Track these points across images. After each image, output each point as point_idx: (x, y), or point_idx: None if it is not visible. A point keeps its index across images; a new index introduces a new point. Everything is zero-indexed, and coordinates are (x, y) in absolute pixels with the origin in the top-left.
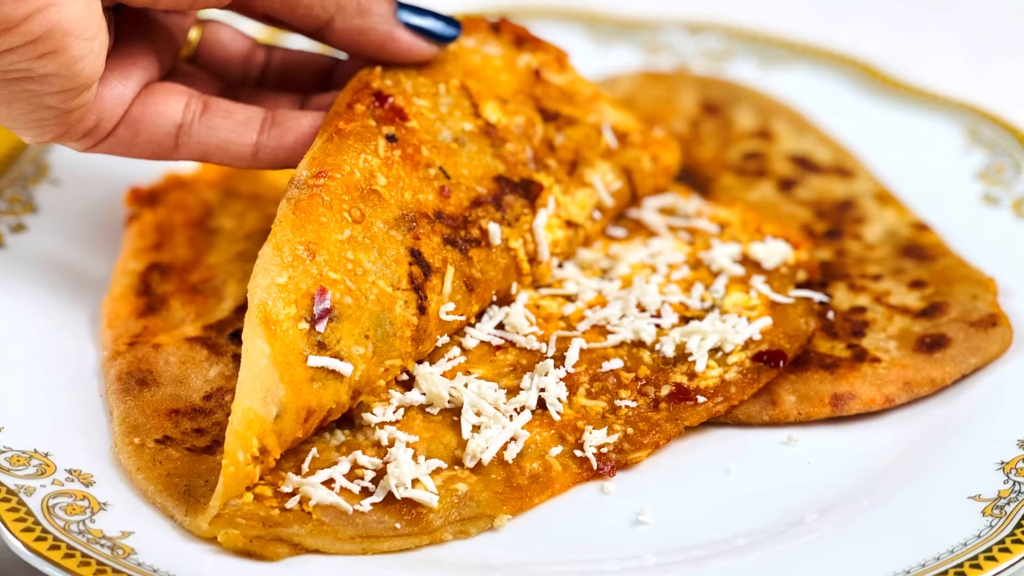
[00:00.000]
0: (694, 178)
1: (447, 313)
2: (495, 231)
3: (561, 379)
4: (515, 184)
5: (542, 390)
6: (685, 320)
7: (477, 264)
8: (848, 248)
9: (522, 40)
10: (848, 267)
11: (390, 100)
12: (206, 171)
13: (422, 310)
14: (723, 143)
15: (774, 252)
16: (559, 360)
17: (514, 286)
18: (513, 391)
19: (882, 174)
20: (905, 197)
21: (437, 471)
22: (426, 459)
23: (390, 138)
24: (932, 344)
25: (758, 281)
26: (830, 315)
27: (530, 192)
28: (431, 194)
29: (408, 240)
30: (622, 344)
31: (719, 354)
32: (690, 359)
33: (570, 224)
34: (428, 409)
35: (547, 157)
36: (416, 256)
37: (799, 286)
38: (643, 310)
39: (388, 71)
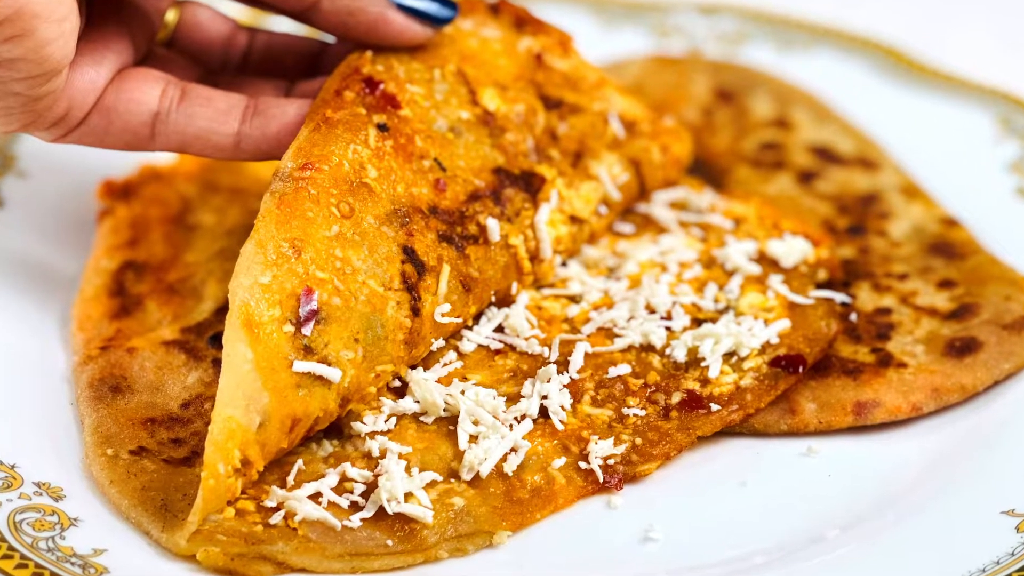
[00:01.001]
0: (707, 170)
1: (442, 315)
2: (494, 227)
3: (565, 386)
4: (515, 177)
5: (544, 397)
6: (697, 322)
7: (475, 262)
8: (872, 245)
9: (523, 22)
10: (872, 266)
11: (381, 87)
12: (184, 163)
13: (416, 312)
14: (738, 132)
15: (793, 250)
16: (562, 365)
17: (514, 286)
18: (513, 398)
19: (908, 166)
20: (933, 191)
21: (432, 484)
22: (420, 471)
23: (381, 127)
24: (962, 348)
25: (776, 281)
26: (853, 317)
27: (531, 185)
28: (425, 187)
29: (401, 237)
30: (630, 348)
31: (734, 359)
32: (703, 364)
33: (574, 219)
34: (422, 418)
35: (549, 148)
36: (409, 254)
37: (820, 286)
38: (652, 312)
39: (379, 56)
